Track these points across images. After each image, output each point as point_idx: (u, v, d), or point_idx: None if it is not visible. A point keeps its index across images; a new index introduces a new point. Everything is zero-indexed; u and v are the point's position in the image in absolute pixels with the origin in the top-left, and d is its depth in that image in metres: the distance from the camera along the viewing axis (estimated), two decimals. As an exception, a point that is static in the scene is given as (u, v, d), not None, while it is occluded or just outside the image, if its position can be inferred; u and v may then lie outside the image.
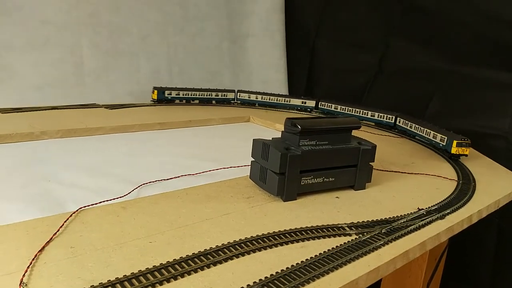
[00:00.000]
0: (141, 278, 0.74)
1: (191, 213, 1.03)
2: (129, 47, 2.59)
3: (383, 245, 0.95)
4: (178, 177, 1.36)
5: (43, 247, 0.82)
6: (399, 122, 2.26)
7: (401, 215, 1.12)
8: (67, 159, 1.49)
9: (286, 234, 0.96)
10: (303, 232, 0.97)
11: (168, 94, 2.48)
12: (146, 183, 1.27)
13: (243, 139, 2.04)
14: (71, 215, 0.96)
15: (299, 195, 1.18)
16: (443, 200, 1.27)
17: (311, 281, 0.78)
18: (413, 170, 1.55)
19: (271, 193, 1.17)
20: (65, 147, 1.65)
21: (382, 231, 1.01)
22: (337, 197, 1.23)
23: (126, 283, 0.72)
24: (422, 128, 2.02)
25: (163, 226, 0.95)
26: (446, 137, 1.79)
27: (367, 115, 2.39)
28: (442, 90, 2.39)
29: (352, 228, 1.02)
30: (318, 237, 0.96)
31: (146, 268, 0.77)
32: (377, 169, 1.42)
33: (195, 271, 0.78)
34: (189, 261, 0.81)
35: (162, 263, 0.79)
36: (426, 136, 1.98)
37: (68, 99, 2.27)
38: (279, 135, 1.26)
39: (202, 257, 0.82)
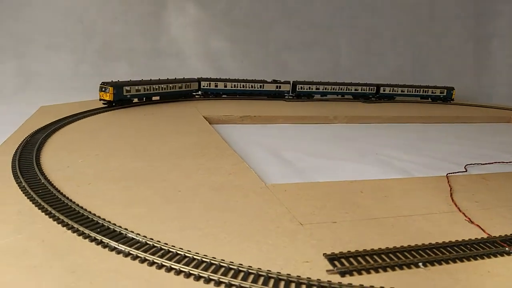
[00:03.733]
0: None
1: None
2: (379, 47, 2.77)
3: None
4: (492, 163, 1.43)
5: (451, 198, 0.98)
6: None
7: None
8: (367, 139, 1.71)
9: None
10: None
11: (127, 92, 1.77)
12: (469, 164, 1.37)
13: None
14: (447, 178, 1.12)
15: None
16: None
17: None
18: None
19: None
20: (354, 130, 1.89)
21: None
22: None
23: None
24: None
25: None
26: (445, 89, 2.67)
27: None
28: None
29: None
30: None
31: None
32: None
33: None
34: None
35: None
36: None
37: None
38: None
39: None
